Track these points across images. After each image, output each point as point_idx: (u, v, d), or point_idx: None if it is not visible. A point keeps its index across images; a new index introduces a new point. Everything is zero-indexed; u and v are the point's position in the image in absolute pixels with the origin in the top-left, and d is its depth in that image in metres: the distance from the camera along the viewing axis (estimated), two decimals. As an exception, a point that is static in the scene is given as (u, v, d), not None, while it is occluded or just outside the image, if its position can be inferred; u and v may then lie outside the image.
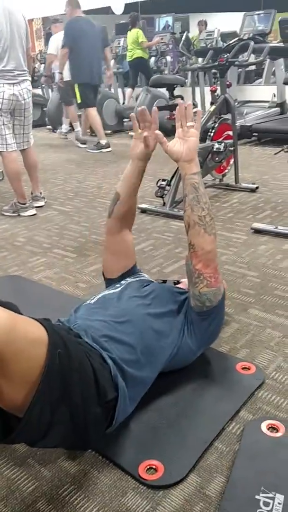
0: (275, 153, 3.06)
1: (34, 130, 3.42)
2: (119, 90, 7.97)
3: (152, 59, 7.59)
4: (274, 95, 6.13)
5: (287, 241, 2.51)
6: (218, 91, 3.40)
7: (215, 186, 3.58)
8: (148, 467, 1.12)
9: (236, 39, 3.95)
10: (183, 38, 7.15)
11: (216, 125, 3.35)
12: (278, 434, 1.19)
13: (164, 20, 8.63)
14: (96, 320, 1.28)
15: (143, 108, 1.44)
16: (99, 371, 1.08)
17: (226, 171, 3.62)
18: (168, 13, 8.39)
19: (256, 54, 4.93)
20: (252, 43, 3.69)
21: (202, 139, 3.13)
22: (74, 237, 2.78)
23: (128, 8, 9.14)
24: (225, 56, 3.36)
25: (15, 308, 1.04)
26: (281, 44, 5.43)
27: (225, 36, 7.02)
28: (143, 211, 3.12)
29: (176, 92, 3.36)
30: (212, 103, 3.36)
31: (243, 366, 1.48)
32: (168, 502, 1.05)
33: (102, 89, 6.99)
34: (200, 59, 6.66)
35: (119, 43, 7.80)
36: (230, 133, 3.43)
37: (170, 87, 3.34)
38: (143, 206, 3.13)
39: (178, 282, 1.71)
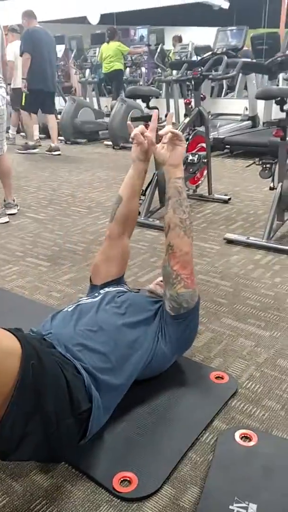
0: (247, 166, 3.13)
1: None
2: (94, 99, 7.98)
3: (128, 70, 7.66)
4: (246, 109, 6.28)
5: (259, 251, 2.57)
6: (192, 104, 3.46)
7: (189, 197, 3.62)
8: (122, 479, 1.11)
9: (210, 53, 4.04)
10: (158, 50, 7.25)
11: (190, 137, 3.40)
12: (251, 443, 1.21)
13: (140, 31, 8.74)
14: (70, 329, 1.27)
15: (128, 123, 1.59)
16: (73, 382, 1.07)
17: (200, 182, 3.68)
18: (143, 25, 8.50)
19: (228, 68, 5.06)
20: (225, 57, 3.78)
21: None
22: (48, 246, 2.75)
23: (103, 18, 9.21)
24: (200, 69, 3.43)
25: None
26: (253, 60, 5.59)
27: (199, 49, 7.16)
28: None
29: (151, 103, 3.39)
30: (186, 115, 3.42)
31: (217, 376, 1.49)
32: (142, 514, 1.04)
33: (78, 97, 7.01)
34: (174, 72, 6.77)
35: (94, 53, 7.83)
36: (204, 145, 3.49)
37: (146, 98, 3.37)
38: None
39: (151, 292, 1.72)
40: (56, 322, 1.33)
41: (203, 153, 3.39)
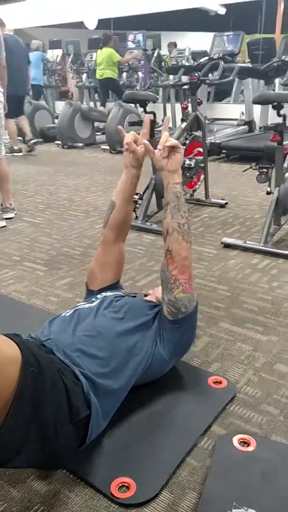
0: (244, 171, 3.14)
1: None
2: (91, 103, 8.00)
3: (124, 75, 7.67)
4: (243, 114, 6.31)
5: (256, 255, 2.57)
6: (189, 108, 3.48)
7: (186, 201, 3.60)
8: (120, 484, 1.11)
9: (207, 58, 4.06)
10: (155, 55, 7.27)
11: (187, 142, 3.42)
12: (250, 449, 1.20)
13: (137, 36, 8.75)
14: (69, 334, 1.27)
15: (119, 127, 1.59)
16: (72, 389, 1.07)
17: (197, 186, 3.69)
18: (140, 30, 8.52)
19: (225, 73, 5.09)
20: (222, 62, 3.80)
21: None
22: (45, 250, 2.74)
23: (101, 23, 9.24)
24: (197, 74, 3.45)
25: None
26: (249, 65, 5.63)
27: (195, 55, 7.19)
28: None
29: (148, 108, 3.40)
30: (183, 120, 3.43)
31: (215, 380, 1.49)
32: (141, 520, 1.04)
33: (74, 102, 7.02)
34: (171, 76, 6.79)
35: (91, 57, 7.85)
36: (201, 149, 3.50)
37: (143, 103, 3.38)
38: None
39: (147, 296, 1.73)
40: (54, 328, 1.33)
41: (200, 157, 3.40)
